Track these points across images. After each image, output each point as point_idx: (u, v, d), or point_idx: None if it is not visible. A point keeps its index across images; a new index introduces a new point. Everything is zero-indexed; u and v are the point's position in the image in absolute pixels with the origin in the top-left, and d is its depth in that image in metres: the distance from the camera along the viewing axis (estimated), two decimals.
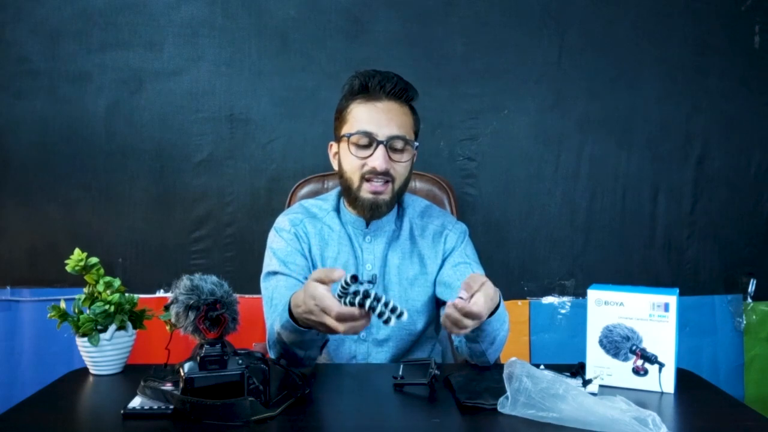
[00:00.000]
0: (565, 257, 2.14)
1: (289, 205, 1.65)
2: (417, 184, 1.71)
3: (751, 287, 2.17)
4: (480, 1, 2.07)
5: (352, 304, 0.94)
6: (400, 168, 1.35)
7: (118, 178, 2.07)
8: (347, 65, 2.04)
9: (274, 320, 1.25)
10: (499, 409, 0.97)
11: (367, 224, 1.40)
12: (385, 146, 1.31)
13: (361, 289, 0.94)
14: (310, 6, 2.06)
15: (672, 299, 1.08)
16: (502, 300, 1.18)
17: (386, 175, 1.32)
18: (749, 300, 2.17)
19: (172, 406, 0.98)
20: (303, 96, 2.07)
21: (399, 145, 1.33)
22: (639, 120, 2.12)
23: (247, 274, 1.96)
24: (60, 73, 2.04)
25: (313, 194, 1.67)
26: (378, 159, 1.31)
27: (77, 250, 1.22)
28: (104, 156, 2.06)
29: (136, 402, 1.02)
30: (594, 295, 1.12)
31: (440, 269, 1.40)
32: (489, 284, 1.07)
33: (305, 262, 1.38)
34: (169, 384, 1.03)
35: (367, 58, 2.05)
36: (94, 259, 1.22)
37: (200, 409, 0.94)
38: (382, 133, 1.32)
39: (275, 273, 1.36)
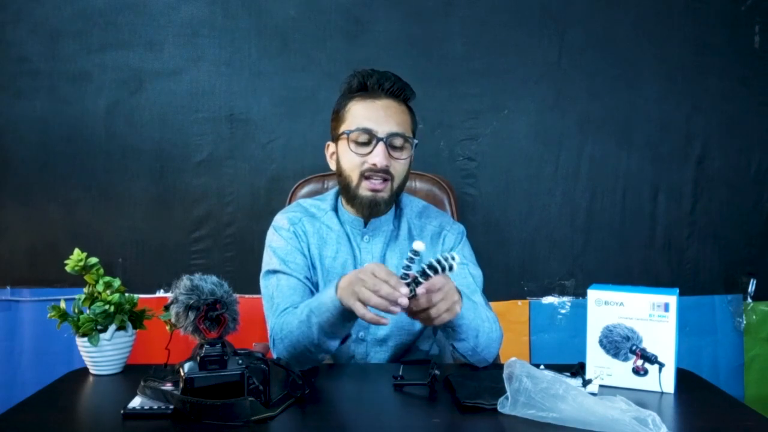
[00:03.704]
0: (565, 257, 2.14)
1: (288, 204, 1.64)
2: (417, 184, 1.71)
3: (751, 287, 2.17)
4: (480, 1, 2.07)
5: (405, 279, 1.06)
6: (399, 166, 1.35)
7: (118, 178, 2.07)
8: (347, 65, 2.04)
9: (301, 306, 1.24)
10: (499, 409, 0.97)
11: (365, 224, 1.40)
12: (385, 143, 1.32)
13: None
14: (310, 6, 2.06)
15: (672, 299, 1.08)
16: (470, 296, 1.25)
17: (386, 173, 1.32)
18: (749, 300, 2.17)
19: (172, 406, 0.98)
20: (303, 96, 2.07)
21: (398, 142, 1.34)
22: (639, 120, 2.12)
23: (247, 274, 1.96)
24: (60, 73, 2.04)
25: (313, 194, 1.67)
26: (378, 156, 1.31)
27: (77, 250, 1.22)
28: (104, 156, 2.06)
29: (136, 402, 1.02)
30: (594, 295, 1.12)
31: None
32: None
33: (305, 260, 1.37)
34: (169, 384, 1.03)
35: (367, 58, 2.04)
36: (93, 259, 1.22)
37: (200, 409, 0.94)
38: (382, 130, 1.32)
39: (276, 272, 1.36)
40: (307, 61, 2.06)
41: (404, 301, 1.04)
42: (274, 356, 1.27)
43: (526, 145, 2.12)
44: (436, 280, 1.06)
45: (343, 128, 1.36)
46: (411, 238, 1.42)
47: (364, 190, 1.34)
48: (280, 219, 1.43)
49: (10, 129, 2.05)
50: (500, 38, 2.08)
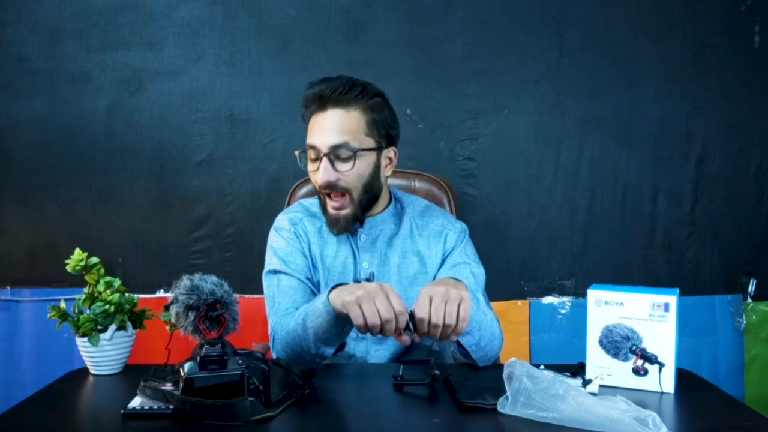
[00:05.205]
0: (565, 257, 2.14)
1: (288, 206, 1.65)
2: (416, 183, 1.71)
3: (751, 287, 2.17)
4: (480, 1, 2.07)
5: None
6: (351, 177, 1.29)
7: (118, 178, 2.07)
8: (347, 65, 2.04)
9: (302, 309, 1.23)
10: (499, 409, 0.97)
11: (362, 223, 1.40)
12: (329, 157, 1.28)
13: None
14: (310, 6, 2.06)
15: (672, 299, 1.08)
16: (472, 291, 1.22)
17: (334, 188, 1.29)
18: (749, 300, 2.17)
19: (172, 406, 0.98)
20: None
21: (343, 153, 1.28)
22: (639, 120, 2.12)
23: (247, 274, 1.96)
24: (60, 73, 2.04)
25: (312, 194, 1.66)
26: (320, 173, 1.28)
27: (77, 250, 1.22)
28: (104, 156, 2.06)
29: (136, 402, 1.02)
30: (594, 295, 1.12)
31: (440, 268, 1.40)
32: (427, 288, 1.11)
33: (305, 260, 1.38)
34: (169, 384, 1.03)
35: (367, 58, 2.05)
36: (94, 259, 1.22)
37: (200, 409, 0.94)
38: (325, 143, 1.28)
39: (276, 272, 1.36)
40: (307, 61, 2.06)
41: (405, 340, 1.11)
42: (274, 355, 1.27)
43: (526, 145, 2.12)
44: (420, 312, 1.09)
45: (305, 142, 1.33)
46: (413, 237, 1.42)
47: (330, 208, 1.33)
48: (282, 219, 1.43)
49: (10, 129, 2.05)
50: (500, 38, 2.08)
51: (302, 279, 1.35)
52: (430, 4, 2.07)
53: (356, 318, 1.06)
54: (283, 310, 1.29)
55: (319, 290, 1.37)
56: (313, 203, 1.46)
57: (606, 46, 2.10)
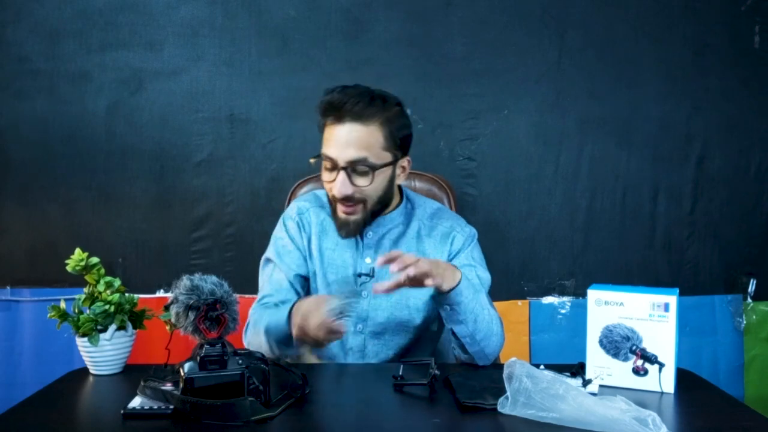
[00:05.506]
0: (565, 257, 2.14)
1: (287, 205, 1.65)
2: (416, 183, 1.71)
3: (751, 287, 2.17)
4: (480, 1, 2.07)
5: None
6: (368, 189, 1.31)
7: (118, 178, 2.07)
8: (347, 65, 2.04)
9: (267, 315, 1.30)
10: (499, 409, 0.98)
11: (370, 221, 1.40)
12: (347, 171, 1.28)
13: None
14: (310, 6, 2.06)
15: (672, 299, 1.08)
16: (469, 280, 1.27)
17: (350, 200, 1.30)
18: (749, 300, 2.17)
19: (172, 406, 0.98)
20: (303, 96, 2.07)
21: (361, 168, 1.29)
22: (639, 120, 2.12)
23: (247, 274, 1.95)
24: (60, 73, 2.04)
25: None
26: (336, 186, 1.28)
27: (78, 250, 1.22)
28: (104, 156, 2.06)
29: (136, 402, 1.02)
30: (594, 295, 1.12)
31: None
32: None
33: (300, 255, 1.40)
34: (169, 384, 1.03)
35: (367, 58, 2.05)
36: (94, 259, 1.22)
37: (200, 409, 0.94)
38: (342, 157, 1.28)
39: (271, 261, 1.41)
40: (307, 61, 2.06)
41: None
42: (244, 339, 1.34)
43: (526, 145, 2.12)
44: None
45: (321, 150, 1.33)
46: (419, 237, 1.42)
47: (340, 212, 1.34)
48: (291, 207, 1.47)
49: (11, 129, 2.05)
50: (500, 38, 2.08)
51: (290, 276, 1.38)
52: (430, 4, 2.07)
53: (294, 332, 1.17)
54: (264, 301, 1.36)
55: (314, 281, 1.41)
56: (324, 194, 1.46)
57: (606, 46, 2.10)
